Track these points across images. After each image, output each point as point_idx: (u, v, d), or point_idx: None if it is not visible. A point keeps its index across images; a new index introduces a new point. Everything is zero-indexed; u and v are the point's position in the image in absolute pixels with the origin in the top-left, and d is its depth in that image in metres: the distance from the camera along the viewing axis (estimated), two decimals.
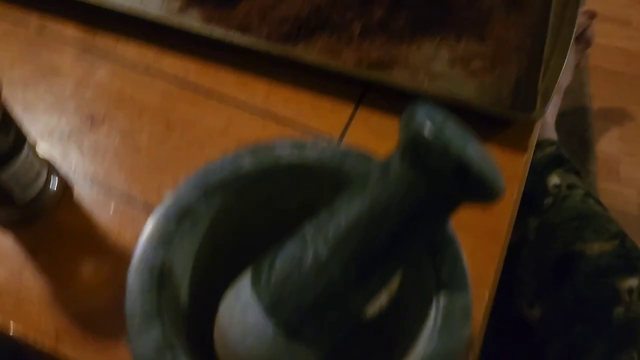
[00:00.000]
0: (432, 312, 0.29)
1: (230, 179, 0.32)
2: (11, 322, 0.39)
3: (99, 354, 0.38)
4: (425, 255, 0.30)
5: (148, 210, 0.44)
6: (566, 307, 0.64)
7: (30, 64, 0.51)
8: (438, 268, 0.30)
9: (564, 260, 0.67)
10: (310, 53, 0.51)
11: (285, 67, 0.51)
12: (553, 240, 0.70)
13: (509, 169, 0.47)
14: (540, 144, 0.83)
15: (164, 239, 0.30)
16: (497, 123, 0.49)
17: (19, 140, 0.38)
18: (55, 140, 0.47)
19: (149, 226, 0.30)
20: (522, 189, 0.47)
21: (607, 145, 1.14)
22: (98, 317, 0.39)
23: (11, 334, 0.39)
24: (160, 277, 0.29)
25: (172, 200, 0.31)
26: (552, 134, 0.90)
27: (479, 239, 0.43)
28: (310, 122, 0.49)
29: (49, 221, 0.43)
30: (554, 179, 0.77)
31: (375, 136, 0.48)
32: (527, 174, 0.48)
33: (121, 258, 0.41)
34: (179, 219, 0.31)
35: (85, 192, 0.44)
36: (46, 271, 0.41)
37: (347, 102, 0.50)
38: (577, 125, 1.13)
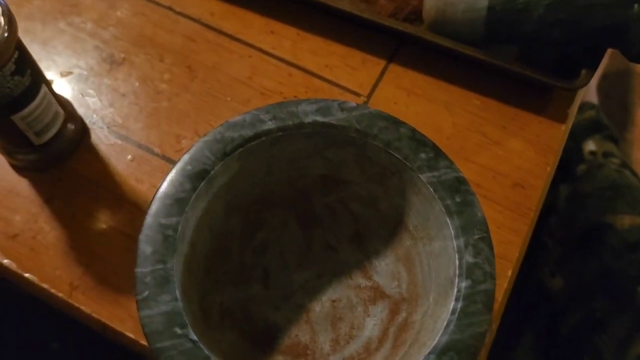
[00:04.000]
0: (452, 299, 0.27)
1: (251, 138, 0.30)
2: (26, 274, 0.38)
3: (113, 307, 0.37)
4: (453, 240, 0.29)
5: (166, 160, 0.42)
6: (589, 279, 0.63)
7: None
8: (462, 251, 0.28)
9: (593, 231, 0.66)
10: (344, 0, 0.48)
11: (315, 15, 0.48)
12: (583, 209, 0.67)
13: (545, 139, 0.44)
14: (579, 107, 0.79)
15: (178, 200, 0.29)
16: (537, 89, 0.45)
17: (35, 81, 0.37)
18: (72, 80, 0.45)
19: (163, 185, 0.29)
20: (557, 162, 0.45)
21: None
22: (112, 269, 0.39)
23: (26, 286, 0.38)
24: (172, 240, 0.28)
25: (189, 159, 0.30)
26: (592, 96, 0.86)
27: (507, 213, 0.41)
28: (339, 75, 0.46)
29: (65, 167, 0.42)
30: (590, 145, 0.74)
31: (406, 94, 0.45)
32: (563, 146, 0.45)
33: (137, 209, 0.40)
34: (195, 180, 0.29)
35: (102, 138, 0.43)
36: (61, 220, 0.40)
37: (379, 57, 0.47)
38: (618, 88, 1.08)
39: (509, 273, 0.40)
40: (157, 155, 0.42)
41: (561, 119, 0.45)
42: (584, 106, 0.80)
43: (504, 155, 0.43)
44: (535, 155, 0.44)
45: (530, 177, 0.43)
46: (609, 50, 0.97)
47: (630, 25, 0.41)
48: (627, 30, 0.41)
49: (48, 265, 0.39)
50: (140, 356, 0.61)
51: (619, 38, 0.42)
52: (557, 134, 0.45)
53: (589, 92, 0.87)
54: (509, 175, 0.43)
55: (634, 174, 0.71)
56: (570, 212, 0.69)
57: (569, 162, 0.73)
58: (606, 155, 0.73)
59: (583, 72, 0.43)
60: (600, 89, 0.93)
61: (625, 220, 0.65)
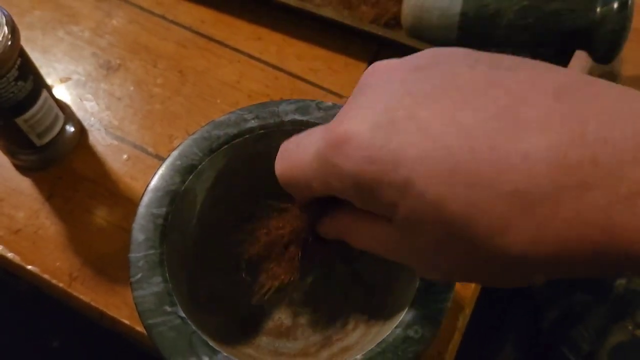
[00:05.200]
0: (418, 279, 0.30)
1: (235, 135, 0.33)
2: (28, 266, 0.41)
3: (109, 296, 0.40)
4: None
5: (159, 159, 0.45)
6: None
7: (50, 8, 0.52)
8: None
9: None
10: (327, 6, 0.50)
11: (300, 21, 0.50)
12: None
13: None
14: None
15: (169, 192, 0.31)
16: None
17: (37, 86, 0.39)
18: (71, 86, 0.48)
19: (154, 179, 0.31)
20: None
21: None
22: (109, 260, 0.41)
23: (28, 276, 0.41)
24: (163, 228, 0.30)
25: (178, 155, 0.32)
26: None
27: None
28: (322, 78, 0.49)
29: (64, 166, 0.44)
30: None
31: None
32: None
33: (132, 205, 0.43)
34: (184, 174, 0.32)
35: (99, 139, 0.46)
36: (61, 215, 0.43)
37: (361, 60, 0.50)
38: None
39: None
40: (150, 154, 0.45)
41: None
42: None
43: None
44: None
45: None
46: None
47: (593, 28, 0.43)
48: (591, 33, 0.44)
49: (49, 257, 0.41)
50: (140, 353, 0.64)
51: (585, 41, 0.45)
52: None
53: None
54: None
55: None
56: None
57: None
58: None
59: None
60: None
61: None
